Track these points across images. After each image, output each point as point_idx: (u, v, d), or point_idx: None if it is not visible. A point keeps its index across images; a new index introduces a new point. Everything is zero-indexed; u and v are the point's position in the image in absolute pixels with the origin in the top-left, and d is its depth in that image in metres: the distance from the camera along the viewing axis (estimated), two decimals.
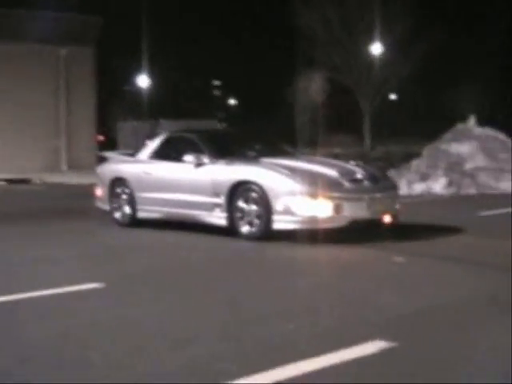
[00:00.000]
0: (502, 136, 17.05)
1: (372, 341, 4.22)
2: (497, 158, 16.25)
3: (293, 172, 8.44)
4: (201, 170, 9.07)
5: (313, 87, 43.34)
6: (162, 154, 9.82)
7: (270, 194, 8.30)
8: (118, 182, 10.10)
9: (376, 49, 34.07)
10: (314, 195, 8.16)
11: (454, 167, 15.62)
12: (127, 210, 9.95)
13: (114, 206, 10.13)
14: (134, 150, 11.39)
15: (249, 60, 47.88)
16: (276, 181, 8.36)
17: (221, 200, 8.77)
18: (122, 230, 9.77)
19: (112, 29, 30.54)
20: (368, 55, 32.48)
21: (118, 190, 10.08)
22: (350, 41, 32.59)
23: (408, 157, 18.08)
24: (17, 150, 24.33)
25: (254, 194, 8.46)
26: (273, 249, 8.03)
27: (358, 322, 4.79)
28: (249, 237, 8.47)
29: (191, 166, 9.15)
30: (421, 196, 14.42)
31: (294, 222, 8.21)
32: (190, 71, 50.39)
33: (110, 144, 36.64)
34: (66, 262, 7.41)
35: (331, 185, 8.34)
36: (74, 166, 25.43)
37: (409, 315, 4.94)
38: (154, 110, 42.01)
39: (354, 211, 8.26)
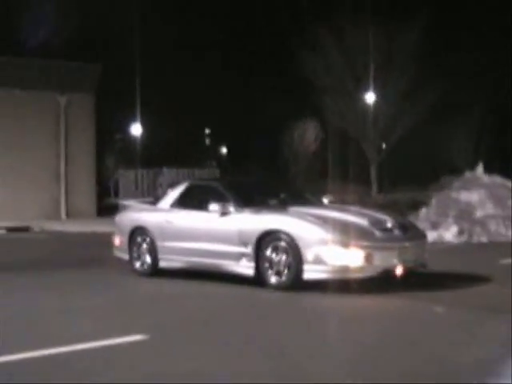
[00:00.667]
0: (509, 183, 17.10)
1: None
2: (506, 206, 16.25)
3: (323, 221, 8.33)
4: (226, 218, 8.93)
5: (307, 135, 43.65)
6: (184, 203, 9.69)
7: (300, 244, 8.16)
8: (139, 230, 9.93)
9: (370, 97, 34.29)
10: (345, 244, 8.03)
11: (464, 215, 15.58)
12: (148, 259, 9.76)
13: (134, 255, 9.95)
14: (138, 198, 11.26)
15: (243, 109, 48.09)
16: (306, 230, 8.23)
17: (248, 249, 8.62)
18: (145, 280, 9.56)
19: (105, 76, 30.63)
20: (375, 104, 32.58)
21: (139, 239, 9.90)
22: (357, 89, 32.79)
23: (415, 205, 18.03)
24: (16, 198, 24.08)
25: (282, 244, 8.31)
26: (305, 300, 7.84)
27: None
28: (278, 287, 8.29)
29: (216, 215, 9.00)
30: (434, 244, 14.30)
31: (325, 271, 8.06)
32: (182, 119, 50.52)
33: (105, 192, 36.47)
34: (96, 313, 7.20)
35: (362, 234, 8.22)
36: (73, 214, 25.18)
37: None
38: (147, 158, 42.02)
39: (385, 260, 8.13)
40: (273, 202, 9.34)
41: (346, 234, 8.13)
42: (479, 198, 16.76)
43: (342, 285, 8.03)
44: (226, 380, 4.71)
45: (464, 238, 14.74)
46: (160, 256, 9.60)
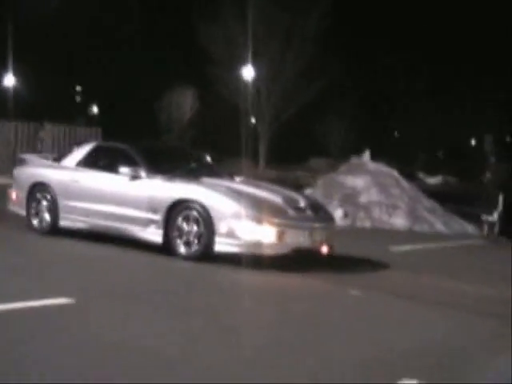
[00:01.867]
0: (394, 172, 17.70)
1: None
2: (390, 194, 16.82)
3: (238, 194, 8.25)
4: (136, 183, 8.63)
5: (186, 103, 43.21)
6: (91, 163, 9.27)
7: (214, 215, 8.04)
8: (40, 186, 9.41)
9: (248, 72, 34.13)
10: (258, 220, 7.99)
11: (349, 199, 16.00)
12: (47, 217, 9.28)
13: (32, 211, 9.42)
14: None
15: (121, 71, 46.83)
16: (221, 202, 8.11)
17: (157, 216, 8.39)
18: (44, 238, 9.07)
19: None
20: (269, 79, 32.31)
21: (38, 196, 9.41)
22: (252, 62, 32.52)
23: (300, 185, 18.31)
24: None
25: (195, 214, 8.15)
26: (213, 271, 7.74)
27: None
28: (187, 257, 8.13)
29: (126, 179, 8.68)
30: None
31: (237, 245, 7.98)
32: (54, 74, 48.48)
33: None
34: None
35: (276, 211, 8.22)
36: None
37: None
38: (18, 112, 40.04)
39: (297, 239, 8.19)
40: (184, 170, 9.10)
41: (261, 209, 8.10)
42: (364, 183, 17.25)
43: (251, 260, 7.98)
44: (153, 343, 4.60)
45: (348, 222, 15.13)
46: (61, 215, 9.14)
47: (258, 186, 8.93)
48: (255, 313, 6.03)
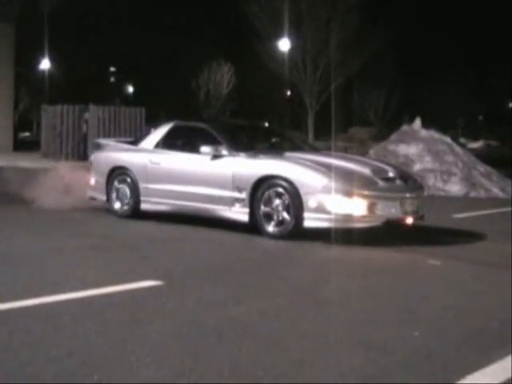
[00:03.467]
0: (447, 139, 17.39)
1: None
2: (443, 161, 16.53)
3: (326, 168, 8.03)
4: (219, 162, 8.48)
5: (223, 78, 42.96)
6: (170, 144, 9.16)
7: (302, 191, 7.85)
8: (119, 170, 9.33)
9: (284, 44, 33.58)
10: (348, 193, 7.78)
11: (403, 168, 15.73)
12: (128, 200, 9.21)
13: (113, 196, 9.35)
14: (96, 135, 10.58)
15: (155, 49, 46.70)
16: (309, 177, 7.91)
17: (242, 195, 8.24)
18: (124, 221, 9.01)
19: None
20: (321, 49, 31.56)
21: (118, 180, 9.34)
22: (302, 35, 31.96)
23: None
24: None
25: (282, 190, 7.98)
26: (303, 248, 7.55)
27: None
28: (276, 235, 7.98)
29: (207, 158, 8.54)
30: None
31: (327, 220, 7.77)
32: (89, 56, 48.57)
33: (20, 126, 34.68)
34: (90, 255, 6.66)
35: (366, 183, 7.98)
36: None
37: None
38: (53, 94, 40.22)
39: (388, 210, 7.95)
40: (267, 146, 8.92)
41: (350, 182, 7.87)
42: (417, 151, 17.00)
43: (341, 234, 7.80)
44: (255, 322, 4.45)
45: None
46: (142, 198, 9.06)
47: (343, 158, 8.70)
48: (351, 287, 5.78)
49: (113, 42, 47.87)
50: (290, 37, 31.26)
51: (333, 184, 7.78)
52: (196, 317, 4.55)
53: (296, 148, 9.17)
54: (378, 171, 8.26)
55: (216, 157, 8.50)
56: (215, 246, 7.59)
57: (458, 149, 16.98)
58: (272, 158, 8.37)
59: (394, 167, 8.80)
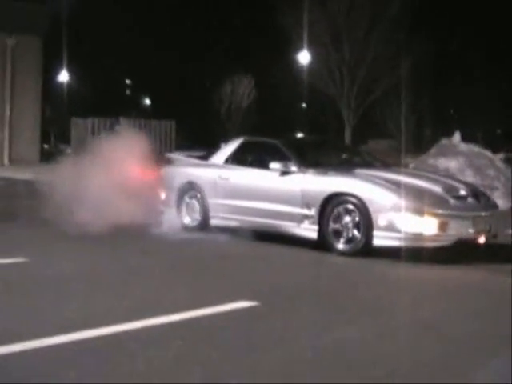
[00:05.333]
0: (488, 153, 17.32)
1: None
2: (485, 175, 16.46)
3: (396, 186, 8.02)
4: (288, 178, 8.50)
5: (240, 91, 43.06)
6: (239, 159, 9.22)
7: (372, 209, 7.84)
8: (189, 186, 9.39)
9: (304, 57, 33.58)
10: (419, 211, 7.75)
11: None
12: (198, 216, 9.26)
13: (183, 210, 9.42)
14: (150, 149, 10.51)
15: (173, 60, 46.70)
16: (379, 194, 7.91)
17: (311, 212, 8.24)
18: (194, 235, 9.06)
19: None
20: (359, 65, 31.44)
21: (188, 195, 9.40)
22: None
23: None
24: None
25: (351, 207, 7.97)
26: (377, 266, 7.52)
27: None
28: (345, 252, 7.97)
29: (276, 174, 8.56)
30: None
31: (398, 238, 7.75)
32: (105, 68, 48.65)
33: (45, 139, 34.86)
34: (172, 275, 6.66)
35: (437, 201, 7.96)
36: (15, 160, 23.80)
37: None
38: (71, 106, 40.34)
39: (460, 229, 7.92)
40: (336, 162, 8.94)
41: (421, 200, 7.84)
42: (458, 165, 16.91)
43: (411, 253, 7.78)
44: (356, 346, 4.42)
45: None
46: (212, 213, 9.11)
47: (414, 175, 8.69)
48: (447, 307, 5.78)
49: (129, 54, 47.99)
50: (326, 49, 31.20)
51: (403, 202, 7.76)
52: (313, 341, 4.55)
53: (366, 164, 9.17)
54: (449, 189, 8.23)
55: (285, 173, 8.51)
56: (291, 264, 7.60)
57: (498, 163, 16.90)
58: (341, 174, 8.37)
59: (466, 184, 8.77)
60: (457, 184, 8.54)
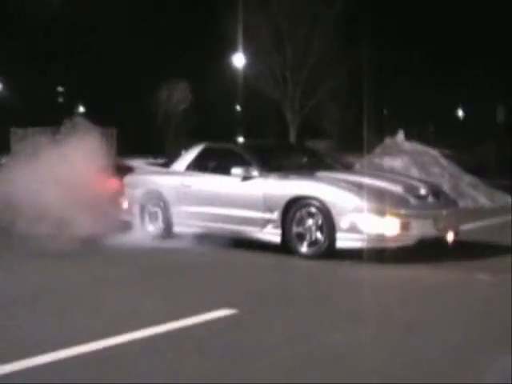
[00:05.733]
0: (431, 151, 17.67)
1: None
2: (430, 172, 16.80)
3: (358, 187, 8.11)
4: (250, 183, 8.50)
5: (176, 95, 42.71)
6: (200, 166, 9.16)
7: (334, 211, 7.91)
8: (151, 194, 9.28)
9: (239, 60, 33.39)
10: (381, 212, 7.86)
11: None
12: (161, 223, 9.16)
13: (146, 219, 9.30)
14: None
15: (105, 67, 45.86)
16: (340, 196, 7.97)
17: (274, 216, 8.27)
18: (155, 244, 8.99)
19: None
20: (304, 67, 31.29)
21: (150, 203, 9.28)
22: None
23: None
24: None
25: (313, 210, 8.03)
26: (342, 269, 7.60)
27: None
28: (308, 256, 8.02)
29: (238, 180, 8.55)
30: None
31: (360, 240, 7.84)
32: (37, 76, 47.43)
33: None
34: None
35: (398, 201, 8.08)
36: None
37: None
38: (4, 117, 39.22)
39: (421, 229, 8.06)
40: (297, 166, 8.96)
41: (382, 201, 7.93)
42: (403, 164, 17.22)
43: (373, 254, 7.86)
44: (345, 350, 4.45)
45: None
46: (175, 221, 9.03)
47: (374, 176, 8.78)
48: (410, 307, 5.83)
49: (60, 61, 47.00)
50: (268, 52, 31.14)
51: (365, 203, 7.85)
52: (300, 347, 4.55)
53: (327, 167, 9.22)
54: (409, 189, 8.34)
55: (247, 178, 8.51)
56: (259, 270, 7.60)
57: (443, 160, 17.28)
58: (303, 178, 8.41)
59: (426, 183, 8.91)
60: (417, 183, 8.68)
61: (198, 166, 9.25)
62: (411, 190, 8.35)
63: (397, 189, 8.28)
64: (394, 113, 44.66)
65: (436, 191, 8.66)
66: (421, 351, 4.46)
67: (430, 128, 58.32)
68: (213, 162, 9.16)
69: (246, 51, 31.48)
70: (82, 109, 61.81)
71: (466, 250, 8.60)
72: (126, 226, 9.47)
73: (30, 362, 4.13)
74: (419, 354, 4.39)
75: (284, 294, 6.28)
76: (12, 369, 4.02)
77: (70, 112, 60.21)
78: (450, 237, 8.31)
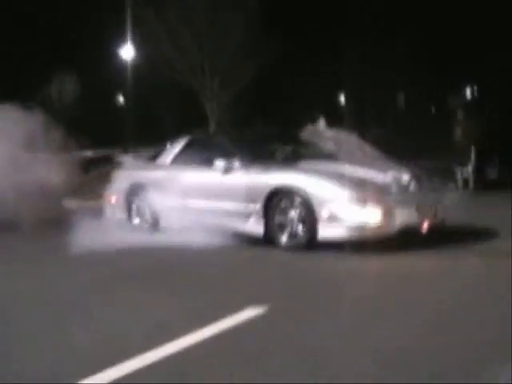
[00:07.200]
0: (354, 137, 17.05)
1: None
2: (354, 159, 16.13)
3: (338, 177, 7.96)
4: (232, 175, 8.48)
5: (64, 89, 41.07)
6: (185, 159, 9.20)
7: (315, 201, 7.78)
8: (137, 188, 9.40)
9: (127, 52, 29.89)
10: (362, 202, 7.68)
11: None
12: (148, 217, 9.28)
13: (133, 213, 9.46)
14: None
15: None
16: (321, 186, 7.85)
17: (257, 207, 8.22)
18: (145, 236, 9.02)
19: None
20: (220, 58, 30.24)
21: (138, 197, 9.40)
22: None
23: None
24: None
25: (294, 201, 7.94)
26: (326, 260, 7.46)
27: None
28: (290, 247, 7.94)
29: (221, 171, 8.55)
30: None
31: (342, 230, 7.71)
32: None
33: None
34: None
35: (379, 190, 7.89)
36: None
37: None
38: None
39: (404, 217, 7.84)
40: (281, 155, 8.87)
41: (363, 190, 7.76)
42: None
43: (356, 244, 7.68)
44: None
45: None
46: (162, 215, 9.17)
47: (356, 165, 8.61)
48: (405, 298, 5.68)
49: None
50: (186, 42, 29.90)
51: (346, 193, 7.70)
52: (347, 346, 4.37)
53: (311, 156, 9.07)
54: (391, 176, 8.13)
55: (229, 169, 8.49)
56: (260, 262, 7.51)
57: (366, 146, 16.72)
58: (284, 168, 8.33)
59: (409, 170, 8.67)
60: (399, 170, 8.43)
61: (184, 158, 9.27)
62: (393, 177, 8.12)
63: (378, 176, 8.09)
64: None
65: (419, 178, 8.40)
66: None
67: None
68: (198, 155, 9.15)
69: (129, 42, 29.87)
70: None
71: (455, 237, 8.30)
72: (115, 220, 9.59)
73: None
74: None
75: (304, 289, 6.11)
76: None
77: None
78: (437, 224, 8.06)
